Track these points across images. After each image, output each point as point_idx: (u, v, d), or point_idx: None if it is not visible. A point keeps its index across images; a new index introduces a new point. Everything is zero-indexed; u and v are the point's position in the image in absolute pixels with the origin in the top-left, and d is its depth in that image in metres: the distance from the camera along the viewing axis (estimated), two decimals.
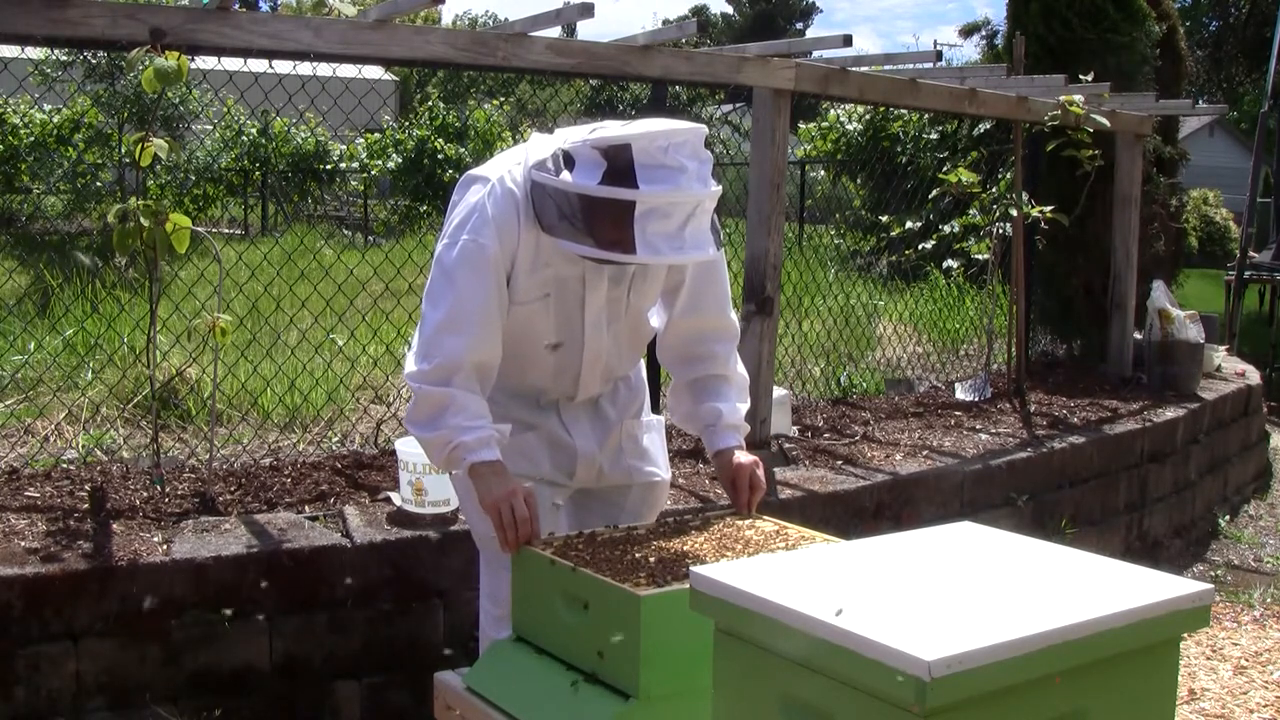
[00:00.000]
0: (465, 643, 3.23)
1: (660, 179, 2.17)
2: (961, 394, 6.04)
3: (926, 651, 1.40)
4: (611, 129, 2.24)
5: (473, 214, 2.38)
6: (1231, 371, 7.28)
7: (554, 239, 2.32)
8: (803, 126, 13.85)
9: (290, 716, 3.14)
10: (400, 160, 17.88)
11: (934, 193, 7.73)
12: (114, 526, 3.24)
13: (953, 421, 5.41)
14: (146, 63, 3.15)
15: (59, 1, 3.12)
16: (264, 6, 36.33)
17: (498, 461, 2.33)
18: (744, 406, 2.67)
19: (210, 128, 17.16)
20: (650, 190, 2.16)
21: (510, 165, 2.43)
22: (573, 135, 2.31)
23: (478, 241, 2.36)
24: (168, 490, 3.61)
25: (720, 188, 2.31)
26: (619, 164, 2.18)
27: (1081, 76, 5.85)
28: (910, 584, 1.72)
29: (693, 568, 1.78)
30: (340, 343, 5.66)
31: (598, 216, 2.22)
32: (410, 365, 2.39)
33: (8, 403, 4.94)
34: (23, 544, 3.05)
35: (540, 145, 2.42)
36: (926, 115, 11.06)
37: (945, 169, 7.29)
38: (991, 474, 4.68)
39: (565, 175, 2.26)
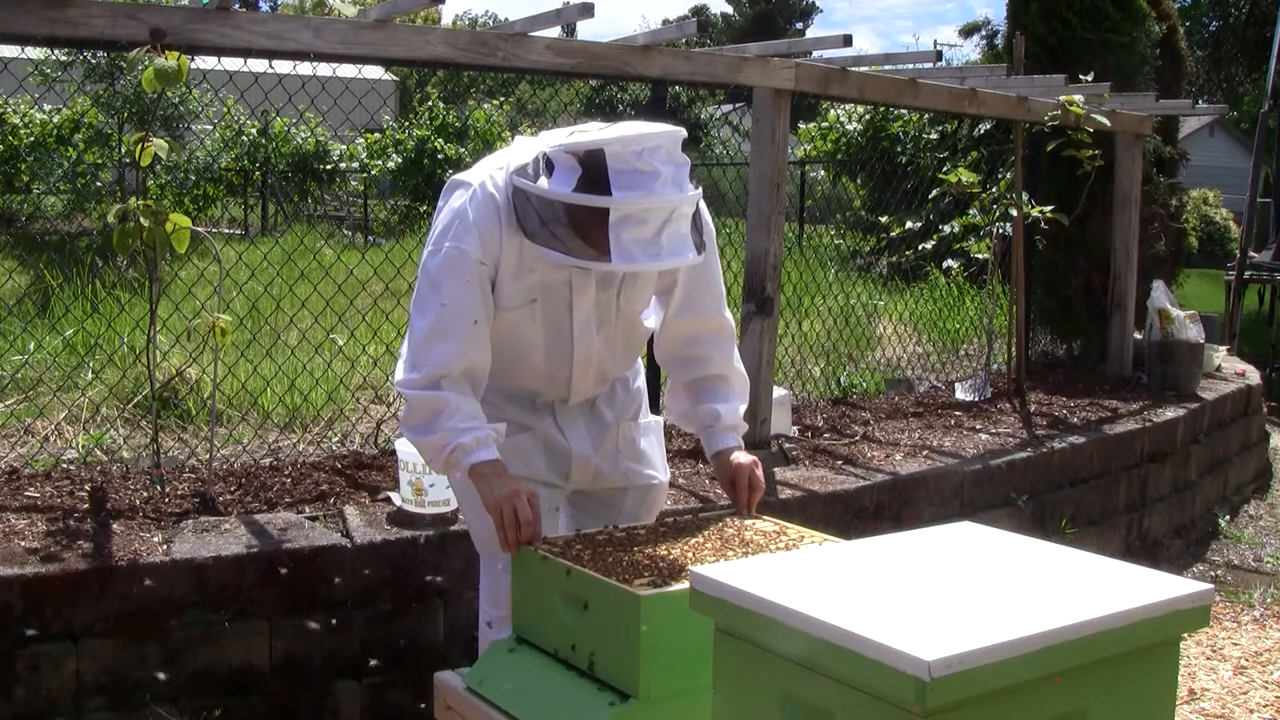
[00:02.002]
0: (465, 643, 3.23)
1: (634, 184, 2.15)
2: (961, 394, 6.04)
3: (926, 651, 1.40)
4: (589, 133, 2.22)
5: (455, 220, 2.37)
6: (1231, 371, 7.28)
7: (536, 247, 2.30)
8: (803, 126, 13.84)
9: (290, 716, 3.14)
10: (400, 160, 17.88)
11: (934, 193, 7.73)
12: (114, 526, 3.24)
13: (953, 421, 5.41)
14: (146, 63, 3.15)
15: (59, 1, 3.12)
16: (264, 6, 36.33)
17: (498, 461, 2.33)
18: (742, 406, 2.66)
19: (210, 128, 17.15)
20: (624, 197, 2.14)
21: (492, 170, 2.41)
22: (553, 138, 2.29)
23: (461, 248, 2.35)
24: (168, 490, 3.61)
25: (699, 192, 2.28)
26: (593, 169, 2.16)
27: (1081, 76, 5.85)
28: (910, 584, 1.72)
29: (692, 568, 1.78)
30: (340, 343, 5.66)
31: (574, 223, 2.20)
32: (400, 374, 2.38)
33: (8, 403, 4.95)
34: (23, 544, 3.05)
35: (523, 149, 2.40)
36: (926, 115, 11.06)
37: (945, 169, 7.29)
38: (991, 474, 4.68)
39: (543, 181, 2.24)
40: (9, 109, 16.41)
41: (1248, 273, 10.87)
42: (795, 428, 5.01)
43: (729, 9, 58.73)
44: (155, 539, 3.15)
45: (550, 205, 2.23)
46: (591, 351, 2.54)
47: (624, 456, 2.68)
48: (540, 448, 2.60)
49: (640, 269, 2.25)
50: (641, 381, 2.81)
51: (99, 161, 15.82)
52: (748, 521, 2.49)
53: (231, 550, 3.09)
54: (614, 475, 2.67)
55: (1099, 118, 5.61)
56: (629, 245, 2.17)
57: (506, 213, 2.35)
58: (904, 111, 11.33)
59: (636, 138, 2.16)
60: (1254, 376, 7.38)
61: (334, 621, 3.17)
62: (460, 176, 2.47)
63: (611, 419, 2.67)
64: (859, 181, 12.74)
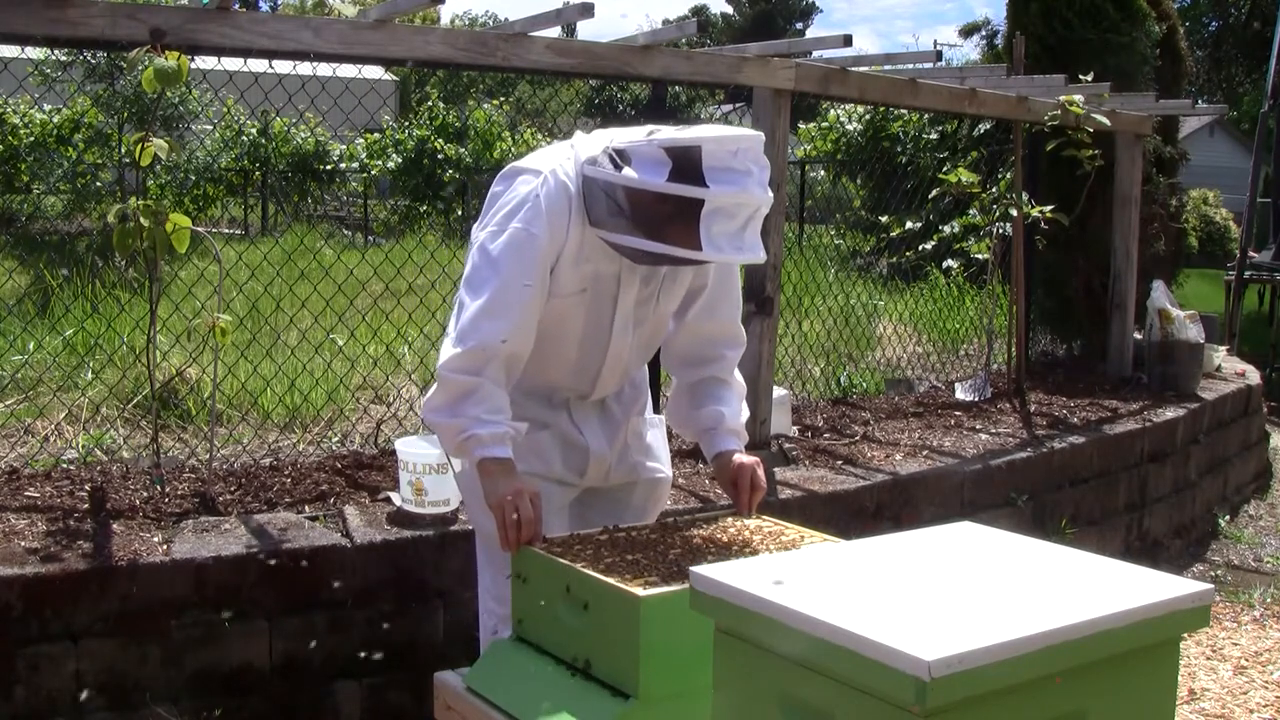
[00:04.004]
0: (465, 643, 3.23)
1: (728, 180, 2.20)
2: (961, 394, 6.04)
3: (926, 651, 1.40)
4: (672, 131, 2.27)
5: (524, 204, 2.38)
6: (1231, 371, 7.28)
7: (608, 235, 2.34)
8: (803, 126, 13.85)
9: (290, 716, 3.14)
10: (400, 160, 17.88)
11: (934, 193, 7.72)
12: (114, 526, 3.23)
13: (953, 421, 5.41)
14: (146, 63, 3.15)
15: (59, 1, 3.12)
16: (264, 6, 36.33)
17: (508, 460, 2.33)
18: (744, 415, 2.69)
19: (210, 128, 17.15)
20: (719, 190, 2.19)
21: (560, 159, 2.44)
22: (625, 135, 2.33)
23: (529, 231, 2.36)
24: (168, 490, 3.61)
25: (772, 196, 2.33)
26: (686, 164, 2.20)
27: (1081, 76, 5.85)
28: (910, 584, 1.72)
29: (693, 568, 1.78)
30: (340, 343, 5.66)
31: (662, 213, 2.24)
32: (446, 350, 2.36)
33: (8, 403, 4.94)
34: (23, 544, 3.05)
35: (588, 142, 2.43)
36: (926, 115, 11.06)
37: (945, 169, 7.29)
38: (991, 474, 4.68)
39: (629, 171, 2.27)
40: (9, 109, 16.40)
41: (1248, 273, 10.86)
42: (795, 428, 5.01)
43: (729, 9, 58.75)
44: (155, 539, 3.14)
45: (634, 195, 2.26)
46: (624, 347, 2.57)
47: (632, 451, 2.71)
48: (558, 445, 2.61)
49: (727, 259, 2.30)
50: (645, 377, 2.83)
51: (99, 161, 15.81)
52: (748, 522, 2.50)
53: (231, 550, 3.09)
54: (623, 470, 2.70)
55: (1099, 117, 5.61)
56: (718, 237, 2.21)
57: (577, 202, 2.39)
58: (904, 111, 11.32)
59: (732, 138, 2.22)
60: (1254, 376, 7.37)
61: (334, 621, 3.17)
62: (523, 164, 2.49)
63: (620, 415, 2.70)
64: (859, 181, 12.73)
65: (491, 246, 2.38)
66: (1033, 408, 5.77)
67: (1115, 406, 5.89)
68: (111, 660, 2.94)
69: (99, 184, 15.59)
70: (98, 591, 2.92)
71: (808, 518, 3.66)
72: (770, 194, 2.30)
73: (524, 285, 2.36)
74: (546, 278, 2.40)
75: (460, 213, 16.94)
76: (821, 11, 61.80)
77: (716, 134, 2.23)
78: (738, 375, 2.73)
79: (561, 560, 2.18)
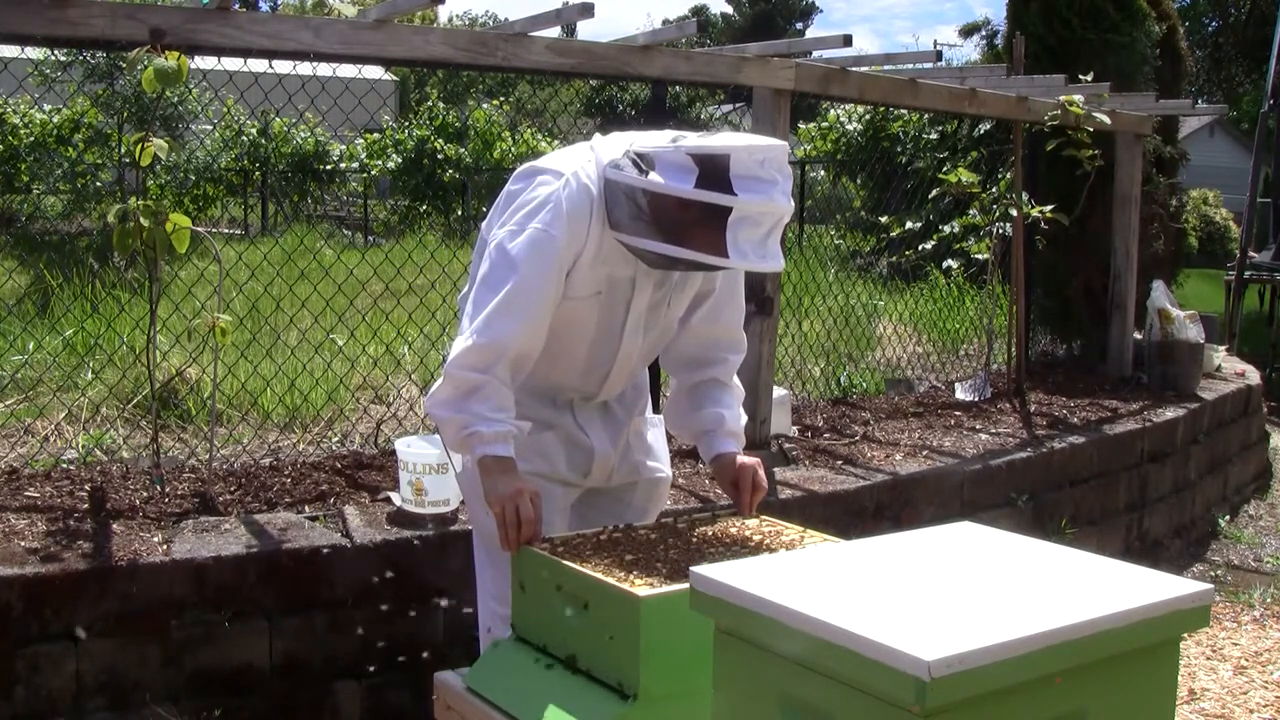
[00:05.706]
0: (465, 643, 3.23)
1: (756, 189, 2.21)
2: (961, 394, 6.04)
3: (926, 651, 1.40)
4: (697, 138, 2.27)
5: (545, 205, 2.38)
6: (1231, 371, 7.28)
7: (629, 239, 2.34)
8: (803, 126, 13.85)
9: (290, 716, 3.14)
10: (400, 160, 17.88)
11: (934, 193, 7.72)
12: (114, 526, 3.23)
13: (953, 421, 5.41)
14: (146, 63, 3.15)
15: (59, 1, 3.12)
16: (264, 6, 36.33)
17: (509, 459, 2.34)
18: (744, 418, 2.70)
19: (210, 128, 17.15)
20: (748, 198, 2.20)
21: (582, 162, 2.43)
22: (647, 139, 2.33)
23: (549, 233, 2.36)
24: (168, 490, 3.61)
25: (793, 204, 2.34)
26: (713, 172, 2.21)
27: (1081, 76, 5.85)
28: (910, 584, 1.72)
29: (693, 568, 1.77)
30: (340, 343, 5.66)
31: (686, 219, 2.24)
32: (457, 345, 2.37)
33: (8, 403, 4.94)
34: (23, 544, 3.05)
35: (608, 145, 2.44)
36: (926, 115, 11.06)
37: (945, 169, 7.29)
38: (991, 474, 4.68)
39: (654, 176, 2.27)
40: (9, 109, 16.39)
41: (1248, 273, 10.86)
42: (795, 428, 5.01)
43: (729, 9, 58.76)
44: (155, 539, 3.14)
45: (659, 200, 2.26)
46: (634, 350, 2.58)
47: (634, 450, 2.72)
48: (562, 446, 2.62)
49: (752, 267, 2.30)
50: (646, 379, 2.84)
51: (99, 161, 15.81)
52: (748, 521, 2.50)
53: (231, 550, 3.09)
54: (624, 470, 2.71)
55: (1099, 117, 5.61)
56: (743, 244, 2.22)
57: (599, 205, 2.39)
58: (904, 111, 11.32)
59: (759, 146, 2.23)
60: (1254, 376, 7.38)
61: (334, 621, 3.17)
62: (542, 164, 2.48)
63: (623, 416, 2.71)
64: (859, 182, 12.73)
65: (510, 246, 2.37)
66: (1033, 408, 5.77)
67: (1115, 406, 5.90)
68: (111, 660, 2.94)
69: (99, 184, 15.58)
70: (98, 591, 2.92)
71: (808, 518, 3.66)
72: (793, 203, 2.30)
73: (540, 286, 2.36)
74: (562, 280, 2.41)
75: (460, 213, 16.95)
76: (821, 11, 61.86)
77: (744, 142, 2.23)
78: (737, 380, 2.74)
79: (561, 560, 2.18)
